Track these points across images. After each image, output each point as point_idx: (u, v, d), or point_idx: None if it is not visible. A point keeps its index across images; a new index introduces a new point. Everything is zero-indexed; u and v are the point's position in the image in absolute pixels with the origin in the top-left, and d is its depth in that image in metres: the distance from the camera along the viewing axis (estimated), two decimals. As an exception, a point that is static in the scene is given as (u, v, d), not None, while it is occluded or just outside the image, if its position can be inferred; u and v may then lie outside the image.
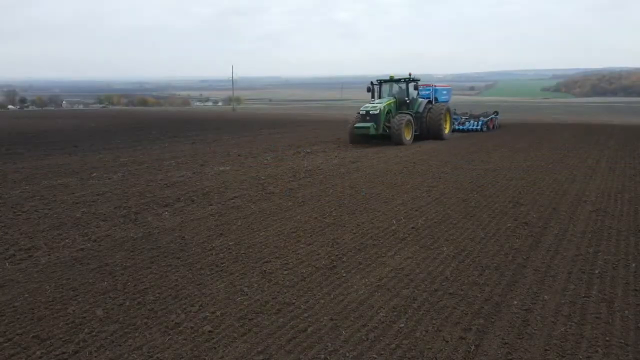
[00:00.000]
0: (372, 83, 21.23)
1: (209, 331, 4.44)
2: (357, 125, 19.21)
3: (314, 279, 5.63)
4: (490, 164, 13.84)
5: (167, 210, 8.95)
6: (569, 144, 18.75)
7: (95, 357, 4.06)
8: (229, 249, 6.72)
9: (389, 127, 19.34)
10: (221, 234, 7.44)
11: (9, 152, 18.45)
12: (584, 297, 4.99)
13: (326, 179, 11.94)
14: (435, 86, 23.84)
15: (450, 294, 5.13)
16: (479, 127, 24.55)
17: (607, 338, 4.17)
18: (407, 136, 19.34)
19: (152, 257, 6.44)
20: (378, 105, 19.26)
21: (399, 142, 18.83)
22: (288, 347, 4.14)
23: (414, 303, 4.93)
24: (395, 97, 20.47)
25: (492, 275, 5.62)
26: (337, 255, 6.36)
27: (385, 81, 21.22)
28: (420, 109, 20.61)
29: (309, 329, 4.44)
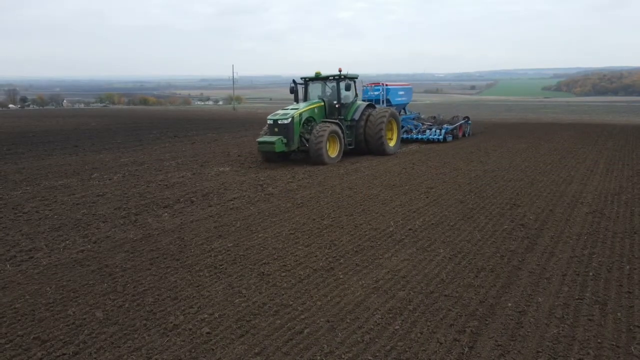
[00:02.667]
0: (294, 82, 16.22)
1: (207, 333, 4.51)
2: (260, 139, 14.34)
3: (312, 280, 5.69)
4: (488, 164, 13.90)
5: (166, 212, 9.02)
6: (567, 144, 18.80)
7: (95, 358, 4.13)
8: (228, 250, 6.79)
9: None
10: (220, 235, 7.51)
11: (10, 152, 18.52)
12: (577, 299, 5.05)
13: (324, 180, 12.01)
14: (387, 85, 20.37)
15: (445, 295, 5.20)
16: (440, 136, 20.00)
17: (599, 340, 4.24)
18: (332, 153, 14.67)
19: (152, 259, 6.51)
20: (291, 112, 14.30)
21: (319, 160, 14.09)
22: (285, 349, 4.21)
23: (410, 305, 5.00)
24: (324, 101, 15.61)
25: (487, 277, 5.68)
26: (334, 257, 6.43)
27: (312, 79, 16.27)
28: (356, 116, 15.91)
29: (306, 331, 4.50)
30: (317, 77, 16.05)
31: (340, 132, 14.88)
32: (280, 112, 14.66)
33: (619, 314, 4.70)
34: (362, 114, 16.02)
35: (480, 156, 15.67)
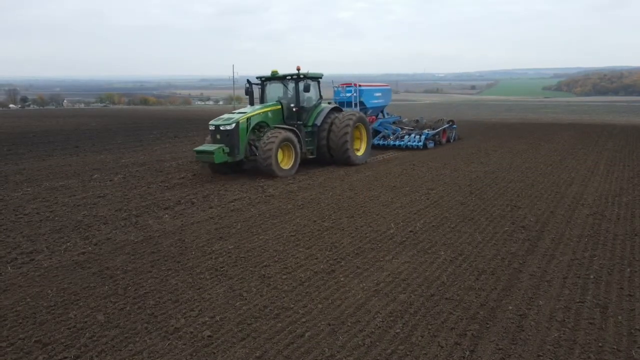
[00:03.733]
0: (249, 82, 14.45)
1: (209, 336, 4.52)
2: (197, 148, 12.46)
3: (312, 283, 5.70)
4: (489, 165, 13.90)
5: (167, 213, 9.02)
6: (568, 145, 18.79)
7: (97, 362, 4.13)
8: (229, 252, 6.80)
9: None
10: (221, 237, 7.52)
11: (11, 152, 18.53)
12: (578, 302, 5.06)
13: (325, 182, 12.01)
14: (360, 86, 18.16)
15: (446, 298, 5.20)
16: (420, 142, 18.23)
17: (600, 344, 4.24)
18: (286, 163, 12.84)
19: (153, 261, 6.52)
20: (236, 116, 12.47)
21: (268, 172, 12.34)
22: (286, 352, 4.22)
23: (411, 308, 5.00)
24: (281, 103, 13.83)
25: (488, 280, 5.69)
26: (335, 260, 6.43)
27: (268, 79, 14.36)
28: (318, 121, 13.99)
29: (307, 334, 4.51)
30: (274, 77, 14.11)
31: (295, 139, 12.94)
32: (225, 116, 12.78)
33: (620, 317, 4.71)
34: (326, 118, 14.12)
35: (480, 157, 15.67)
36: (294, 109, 13.65)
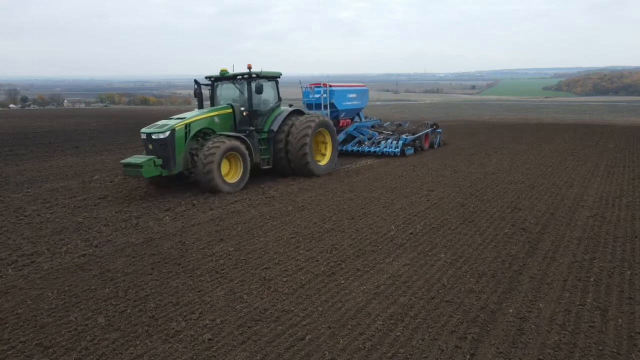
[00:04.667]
0: (196, 82, 12.85)
1: (209, 339, 4.52)
2: (124, 161, 10.80)
3: (313, 286, 5.70)
4: (489, 166, 13.90)
5: (168, 215, 9.03)
6: (568, 145, 18.79)
7: (97, 365, 4.14)
8: (229, 254, 6.80)
9: None
10: (221, 239, 7.52)
11: (11, 153, 18.52)
12: (578, 305, 5.06)
13: (325, 183, 12.01)
14: (330, 86, 16.62)
15: (446, 301, 5.21)
16: (397, 149, 16.55)
17: (600, 347, 4.25)
18: (232, 176, 11.25)
19: (153, 263, 6.52)
20: (172, 123, 10.87)
21: (210, 188, 10.67)
22: (286, 356, 4.22)
23: (411, 311, 5.00)
24: (232, 107, 12.24)
25: (488, 282, 5.69)
26: (335, 262, 6.44)
27: (218, 79, 12.80)
28: (275, 126, 12.46)
29: (307, 337, 4.52)
30: (224, 77, 12.53)
31: (244, 148, 11.29)
32: (160, 122, 11.16)
33: (620, 320, 4.71)
34: (283, 123, 12.54)
35: (481, 158, 15.67)
36: (244, 113, 12.13)
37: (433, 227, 7.92)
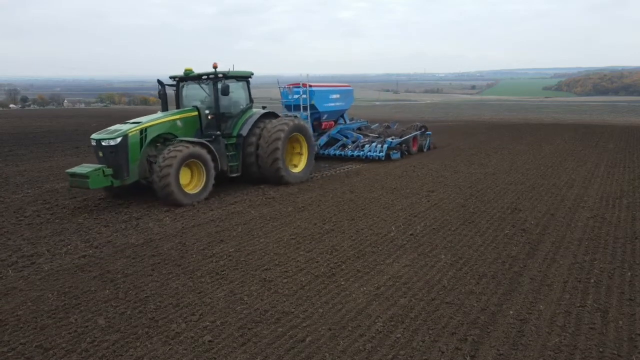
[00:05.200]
0: (160, 83, 11.62)
1: (209, 341, 4.52)
2: (70, 170, 9.85)
3: (313, 287, 5.70)
4: (489, 167, 13.90)
5: (168, 216, 9.03)
6: (568, 146, 18.78)
7: (98, 367, 4.14)
8: (229, 255, 6.80)
9: None
10: (221, 240, 7.52)
11: (12, 153, 18.52)
12: (579, 306, 5.06)
13: (325, 183, 12.01)
14: (310, 86, 15.46)
15: (447, 303, 5.20)
16: (382, 153, 15.52)
17: (601, 349, 4.25)
18: (193, 187, 10.27)
19: (153, 264, 6.52)
20: (126, 128, 9.97)
21: (167, 199, 9.69)
22: (287, 358, 4.22)
23: (411, 312, 5.00)
24: (198, 109, 11.25)
25: (489, 284, 5.69)
26: (336, 263, 6.44)
27: (183, 80, 11.81)
28: (244, 131, 11.55)
29: (308, 339, 4.51)
30: (188, 77, 11.57)
31: (207, 155, 10.30)
32: (112, 127, 10.23)
33: (620, 322, 4.71)
34: (254, 127, 11.64)
35: (481, 158, 15.66)
36: (209, 117, 11.16)
37: (433, 228, 7.92)
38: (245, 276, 6.06)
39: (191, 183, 10.31)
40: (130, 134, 9.80)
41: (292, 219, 8.69)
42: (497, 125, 30.24)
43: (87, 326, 4.84)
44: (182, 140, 10.24)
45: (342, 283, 5.80)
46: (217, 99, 11.16)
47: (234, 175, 11.52)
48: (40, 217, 9.00)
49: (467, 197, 10.12)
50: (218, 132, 11.15)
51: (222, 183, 11.32)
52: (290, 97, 15.76)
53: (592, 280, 5.70)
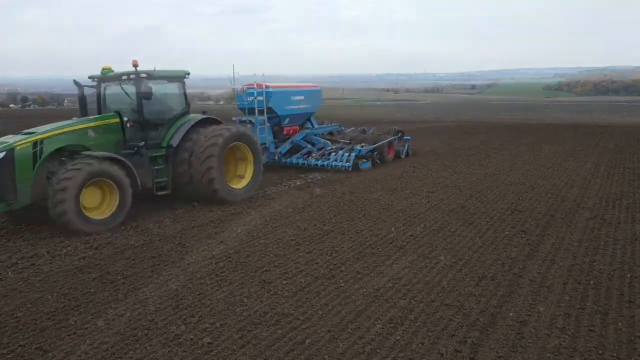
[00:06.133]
0: (77, 83, 9.72)
1: (209, 343, 4.52)
2: None
3: (313, 289, 5.70)
4: (489, 168, 13.89)
5: (167, 217, 9.03)
6: (568, 146, 18.76)
7: (97, 369, 4.14)
8: (229, 257, 6.80)
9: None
10: (221, 241, 7.52)
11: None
12: (578, 308, 5.06)
13: (325, 184, 12.00)
14: (267, 87, 13.62)
15: (446, 305, 5.20)
16: (349, 163, 13.61)
17: (600, 351, 4.25)
18: (99, 212, 8.41)
19: (153, 266, 6.52)
20: (12, 140, 8.20)
21: (63, 225, 7.90)
22: (286, 360, 4.22)
23: (411, 314, 5.00)
24: (119, 115, 9.38)
25: (488, 285, 5.69)
26: (335, 264, 6.44)
27: (103, 80, 9.94)
28: (175, 141, 9.73)
29: (307, 341, 4.52)
30: (107, 77, 9.82)
31: (119, 172, 8.48)
32: (1, 139, 8.43)
33: (620, 324, 4.71)
34: (187, 136, 9.83)
35: (481, 159, 15.65)
36: (128, 124, 9.40)
37: (433, 229, 7.91)
38: (244, 278, 6.06)
39: (102, 205, 8.48)
40: (17, 148, 7.97)
41: (291, 219, 8.69)
42: (497, 125, 30.22)
43: (86, 328, 4.84)
44: (87, 155, 8.38)
45: (342, 285, 5.80)
46: (139, 104, 9.35)
47: (163, 193, 9.72)
48: (40, 218, 8.97)
49: (467, 197, 10.12)
50: (142, 143, 9.38)
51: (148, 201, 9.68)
52: (244, 99, 13.93)
53: (592, 282, 5.70)
